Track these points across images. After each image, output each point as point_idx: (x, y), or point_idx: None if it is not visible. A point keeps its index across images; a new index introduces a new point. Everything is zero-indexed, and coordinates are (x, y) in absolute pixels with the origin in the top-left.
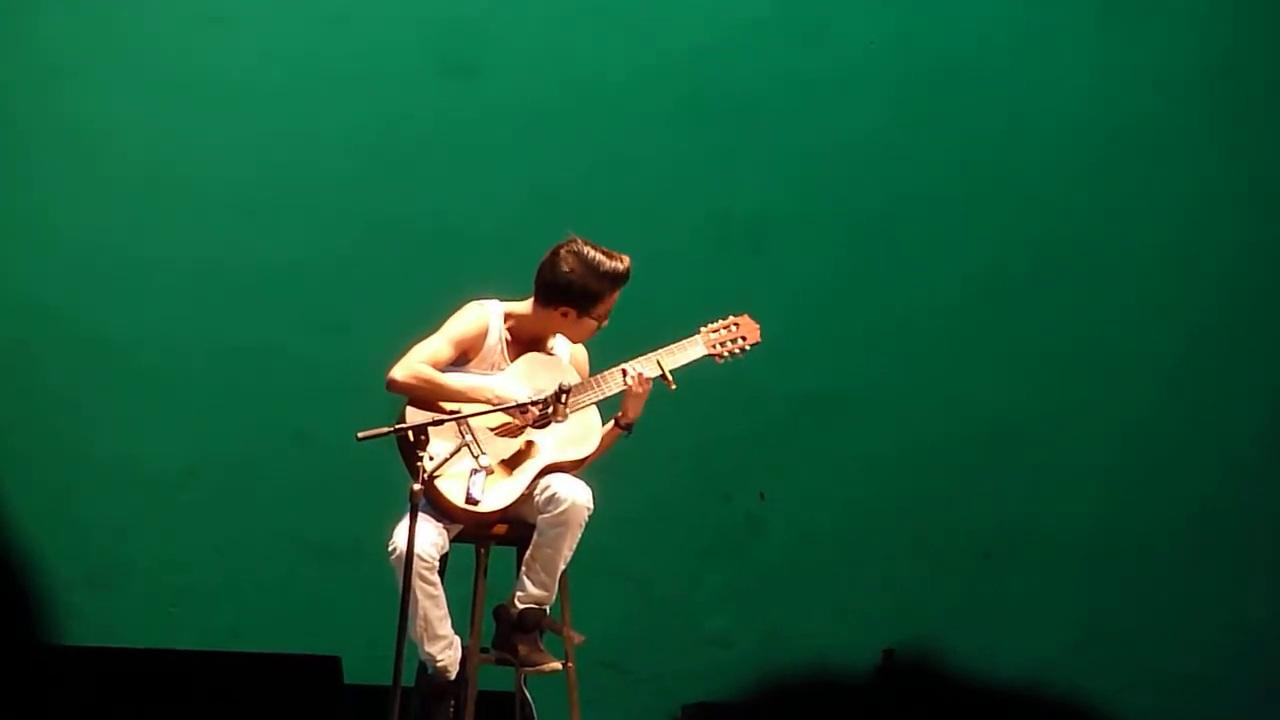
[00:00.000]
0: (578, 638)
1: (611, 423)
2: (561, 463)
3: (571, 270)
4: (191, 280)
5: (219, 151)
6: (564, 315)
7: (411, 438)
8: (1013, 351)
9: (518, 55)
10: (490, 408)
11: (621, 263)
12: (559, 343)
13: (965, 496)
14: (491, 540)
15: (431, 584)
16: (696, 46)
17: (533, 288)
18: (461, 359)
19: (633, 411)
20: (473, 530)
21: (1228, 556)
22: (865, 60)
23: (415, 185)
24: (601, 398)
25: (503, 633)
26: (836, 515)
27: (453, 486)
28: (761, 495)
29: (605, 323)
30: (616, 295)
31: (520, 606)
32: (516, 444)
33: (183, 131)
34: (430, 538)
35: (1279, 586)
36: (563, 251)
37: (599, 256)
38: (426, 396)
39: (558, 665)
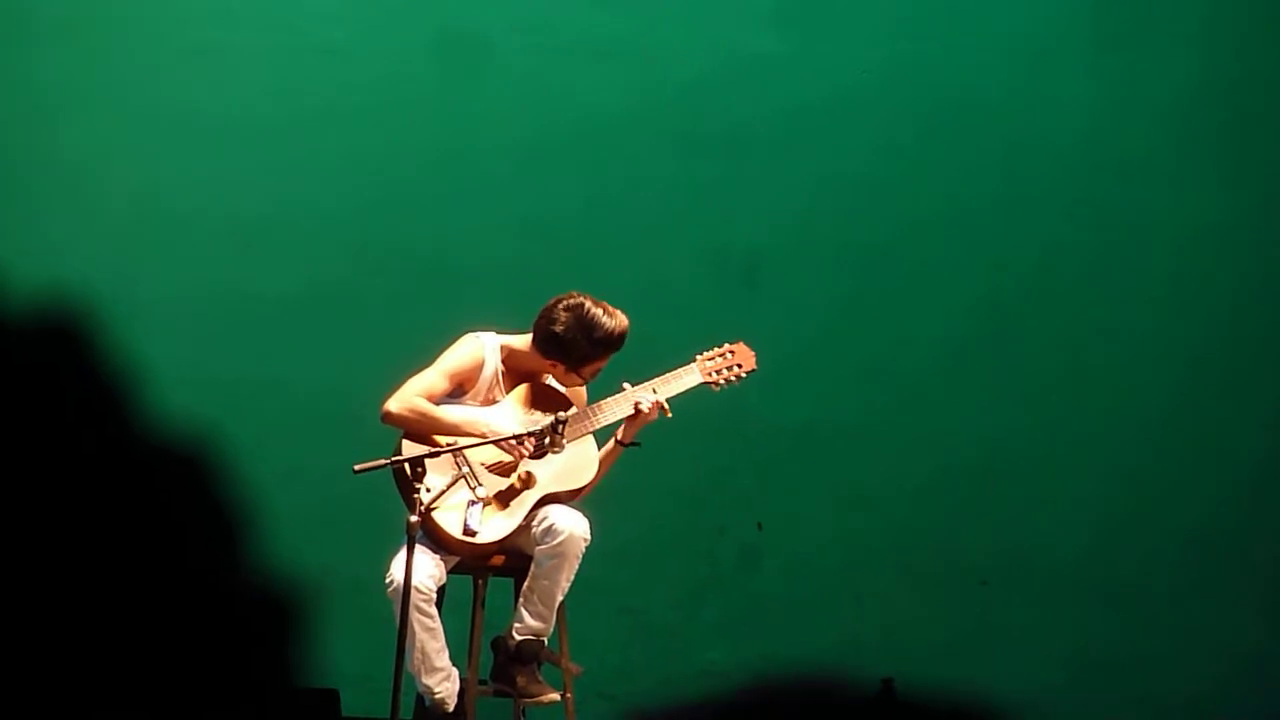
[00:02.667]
0: (576, 669)
1: (611, 442)
2: (559, 493)
3: (567, 330)
4: (186, 313)
5: (213, 185)
6: (554, 367)
7: (408, 470)
8: (1008, 382)
9: (514, 89)
10: (485, 440)
11: (617, 327)
12: None
13: (961, 526)
14: (489, 571)
15: (429, 616)
16: (692, 80)
17: (531, 327)
18: (457, 391)
19: (633, 432)
20: (470, 562)
21: (1222, 585)
22: (859, 93)
23: (411, 218)
24: (598, 427)
25: (500, 664)
26: (833, 546)
27: (450, 518)
28: (759, 526)
29: (594, 379)
30: (609, 358)
31: (518, 638)
32: (513, 475)
33: (174, 165)
34: (427, 570)
35: (1273, 615)
36: (560, 308)
37: (597, 318)
38: (422, 429)
39: (556, 696)
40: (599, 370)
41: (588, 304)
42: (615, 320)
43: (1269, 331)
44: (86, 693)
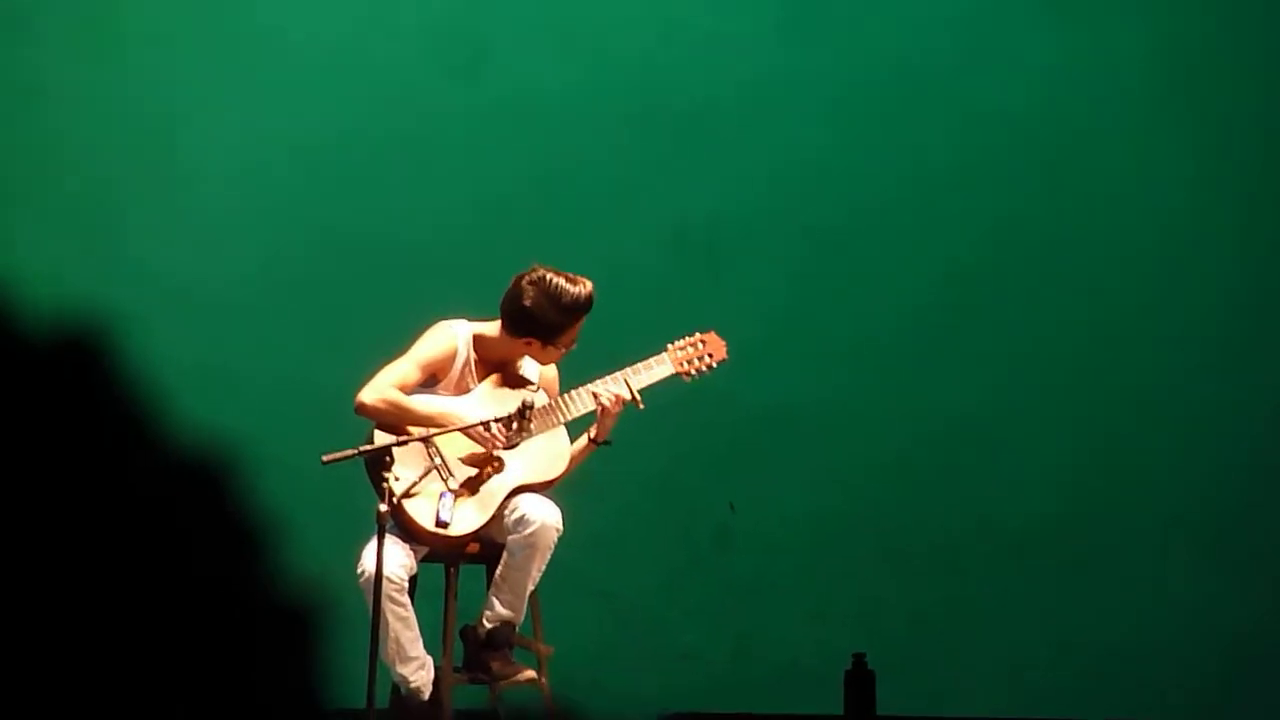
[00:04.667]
0: (547, 649)
1: (585, 439)
2: (531, 484)
3: (534, 303)
4: (153, 304)
5: (170, 175)
6: (528, 344)
7: (378, 460)
8: (975, 355)
9: (469, 68)
10: (456, 429)
11: (584, 290)
12: (528, 362)
13: (932, 500)
14: (461, 560)
15: (401, 605)
16: (649, 58)
17: (499, 311)
18: (430, 380)
19: (607, 428)
20: (442, 551)
21: (1194, 554)
22: (817, 68)
23: (369, 202)
24: (570, 419)
25: (472, 652)
26: (805, 524)
27: (421, 509)
28: (731, 507)
29: (573, 346)
30: (581, 323)
31: (488, 626)
32: (485, 465)
33: (129, 153)
34: (399, 559)
35: (1246, 585)
36: (524, 283)
37: (562, 287)
38: (394, 420)
39: (532, 674)
40: (574, 339)
41: (550, 275)
42: (580, 285)
43: (1232, 298)
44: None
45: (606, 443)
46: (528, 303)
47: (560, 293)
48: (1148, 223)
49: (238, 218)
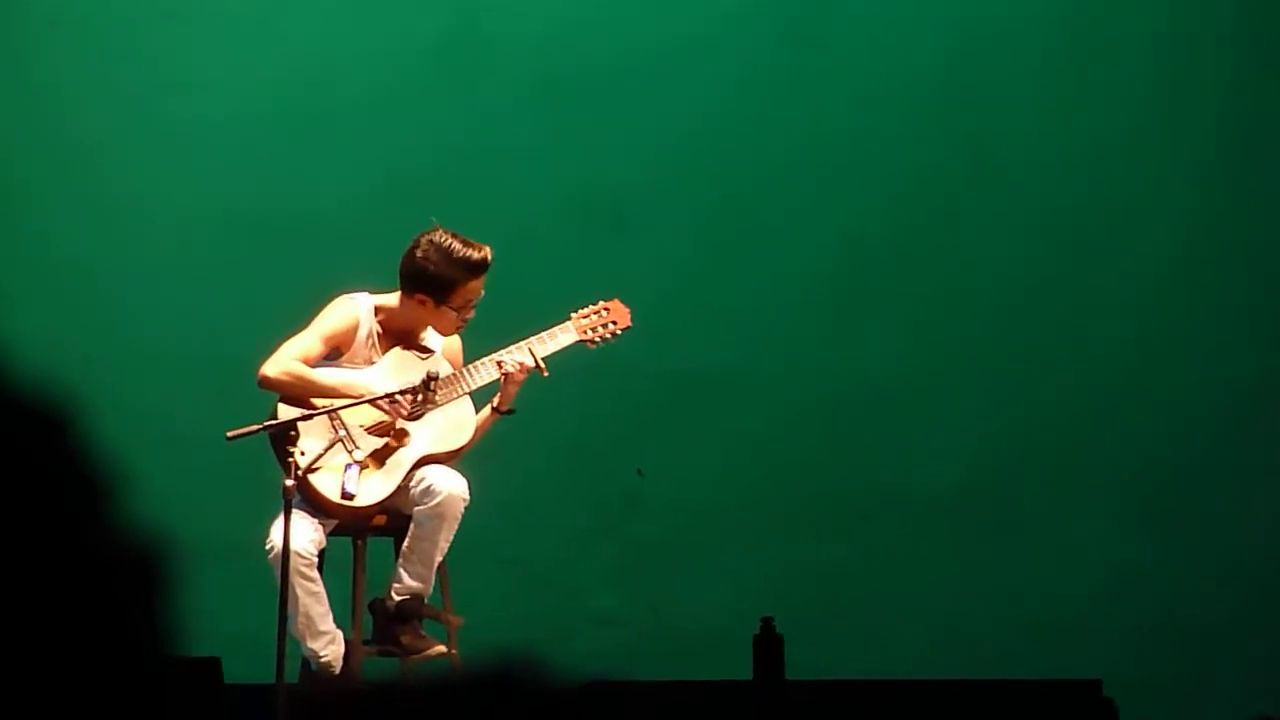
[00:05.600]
0: (457, 620)
1: (489, 409)
2: (437, 454)
3: (425, 256)
4: (53, 283)
5: (71, 152)
6: (421, 303)
7: (283, 434)
8: (884, 318)
9: (366, 38)
10: (360, 400)
11: (477, 251)
12: (431, 334)
13: (840, 462)
14: (369, 532)
15: (311, 580)
16: (552, 23)
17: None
18: (333, 354)
19: (510, 397)
20: (350, 524)
21: (1110, 517)
22: (716, 30)
23: (271, 176)
24: (474, 388)
25: (381, 625)
26: (714, 488)
27: (327, 481)
28: (639, 471)
29: (470, 314)
30: (475, 286)
31: (397, 598)
32: (390, 437)
33: (30, 131)
34: (307, 534)
35: (1152, 526)
36: (423, 240)
37: (454, 244)
38: (298, 393)
39: (442, 649)
40: (470, 304)
41: (446, 234)
42: (474, 247)
43: (1146, 260)
44: None
45: (510, 411)
46: (419, 254)
47: (451, 249)
48: (1055, 188)
49: (141, 192)
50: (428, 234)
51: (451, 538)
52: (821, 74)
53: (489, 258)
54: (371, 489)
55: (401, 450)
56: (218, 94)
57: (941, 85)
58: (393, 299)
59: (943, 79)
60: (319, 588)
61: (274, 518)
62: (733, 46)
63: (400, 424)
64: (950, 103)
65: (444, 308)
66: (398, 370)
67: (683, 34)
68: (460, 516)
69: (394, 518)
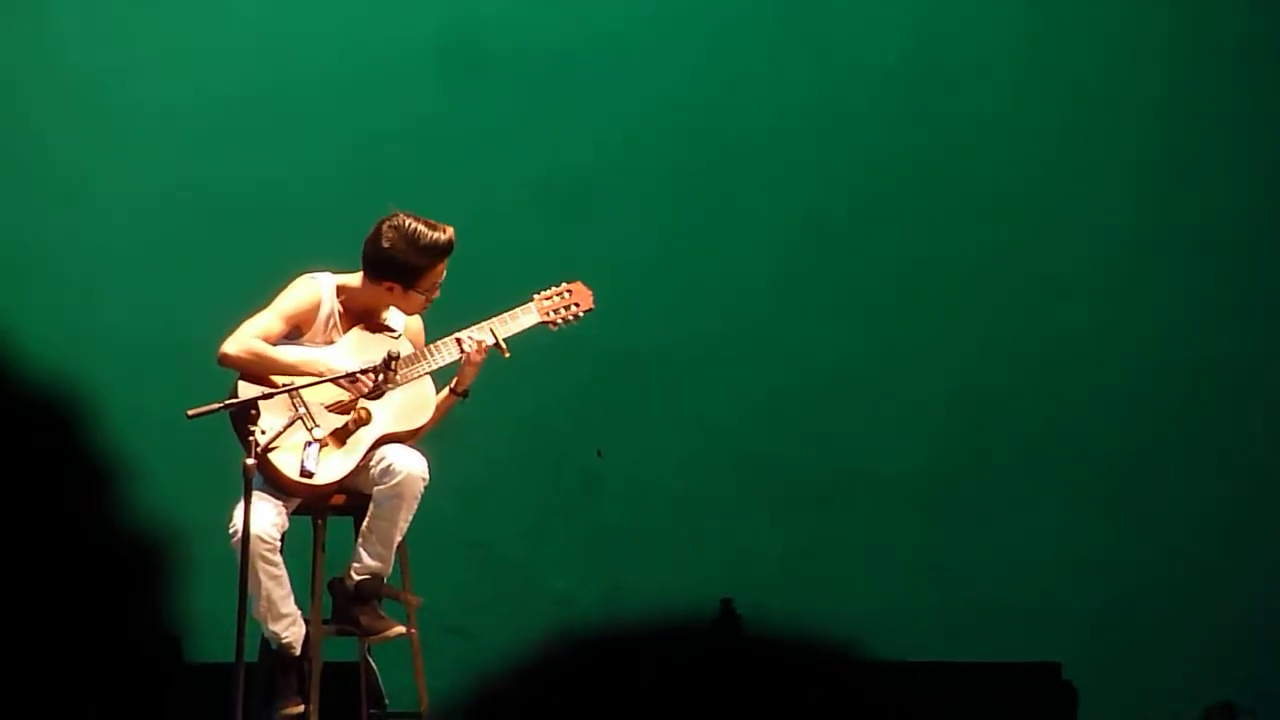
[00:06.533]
0: (416, 600)
1: (446, 390)
2: (397, 433)
3: (392, 245)
4: (14, 265)
5: (26, 137)
6: (389, 290)
7: (243, 413)
8: (841, 301)
9: (328, 20)
10: (320, 379)
11: (443, 234)
12: (393, 314)
13: (800, 446)
14: (329, 511)
15: (274, 564)
16: (511, 4)
17: (360, 262)
18: (294, 333)
19: (468, 379)
20: (310, 503)
21: (1059, 491)
22: (675, 12)
23: (232, 157)
24: (436, 368)
25: (340, 605)
26: (673, 470)
27: (287, 459)
28: (599, 453)
29: (436, 294)
30: (441, 268)
31: (356, 578)
32: (351, 416)
33: None
34: (270, 518)
35: (1112, 516)
36: (385, 226)
37: (420, 229)
38: (259, 370)
39: (401, 630)
40: (435, 285)
41: (409, 219)
42: (440, 230)
43: (1104, 244)
44: None
45: (464, 395)
46: (385, 244)
47: (418, 235)
48: (1015, 171)
49: (102, 173)
50: (389, 220)
51: (411, 518)
52: (783, 57)
53: (454, 239)
54: (331, 467)
55: (362, 429)
56: (181, 75)
57: (902, 66)
58: (355, 279)
59: (904, 60)
60: (281, 571)
61: (236, 502)
62: (695, 29)
63: (361, 403)
64: (911, 85)
65: (411, 292)
66: (359, 349)
67: (645, 15)
68: (420, 496)
69: (353, 497)
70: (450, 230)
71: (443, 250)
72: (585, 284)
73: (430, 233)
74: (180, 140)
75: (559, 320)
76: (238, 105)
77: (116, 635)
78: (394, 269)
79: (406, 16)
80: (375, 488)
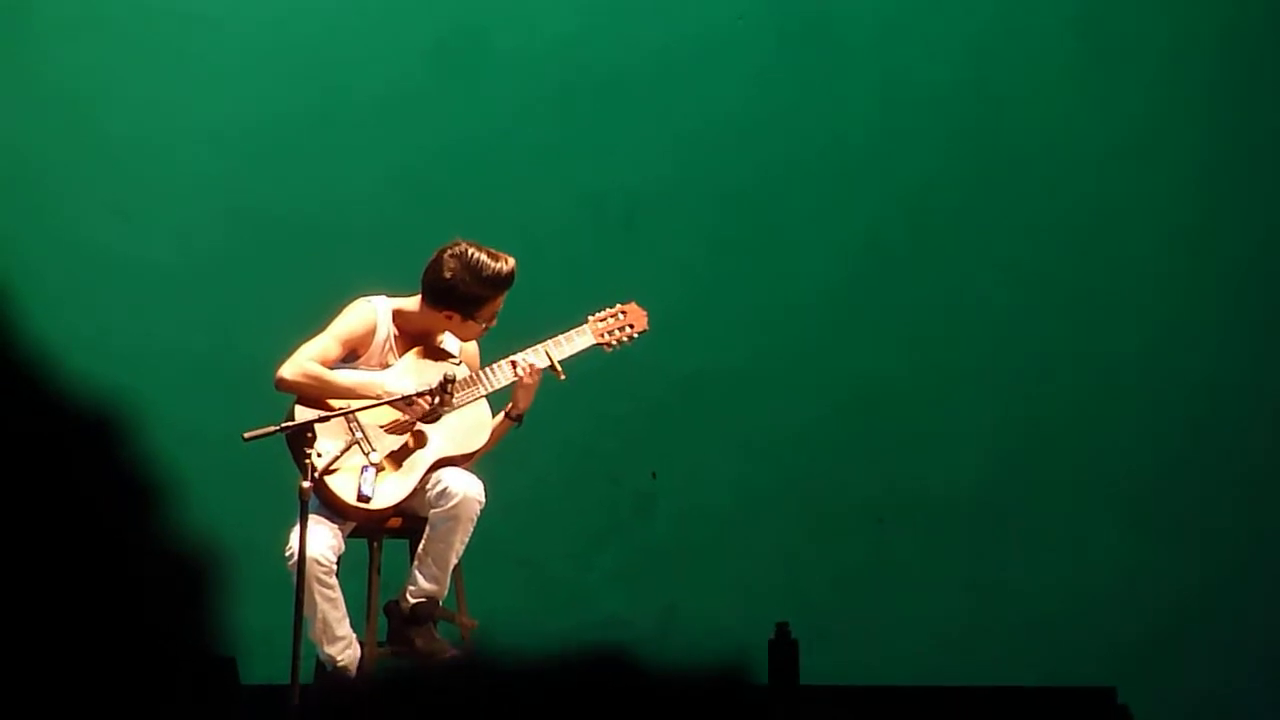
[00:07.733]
0: (471, 623)
1: (502, 415)
2: (454, 456)
3: (454, 274)
4: (68, 287)
5: (84, 155)
6: (449, 318)
7: (300, 435)
8: (893, 321)
9: (380, 42)
10: (377, 402)
11: (505, 265)
12: (449, 337)
13: (854, 466)
14: (384, 534)
15: (329, 587)
16: (564, 26)
17: (419, 286)
18: (350, 356)
19: (523, 403)
20: (365, 526)
21: (1120, 519)
22: (732, 33)
23: (287, 178)
24: (491, 390)
25: (395, 628)
26: (726, 491)
27: (344, 483)
28: (653, 475)
29: (494, 323)
30: (501, 299)
31: (412, 601)
32: (407, 439)
33: (43, 134)
34: (326, 540)
35: (1164, 537)
36: (447, 255)
37: (483, 260)
38: (315, 394)
39: (456, 652)
40: (495, 313)
41: (471, 249)
42: (502, 261)
43: (1154, 265)
44: None
45: (519, 421)
46: (448, 275)
47: (481, 266)
48: (1067, 191)
49: (158, 193)
50: (451, 249)
51: (467, 540)
52: (834, 75)
53: (515, 270)
54: (387, 491)
55: (418, 452)
56: (239, 96)
57: (955, 87)
58: (411, 303)
59: (956, 81)
60: (336, 594)
61: (293, 525)
62: (745, 47)
63: (417, 426)
64: (964, 105)
65: (470, 321)
66: (415, 372)
67: (695, 34)
68: (476, 519)
69: (409, 520)
70: (512, 261)
71: (504, 282)
72: (639, 305)
73: (493, 264)
74: (237, 159)
75: (613, 342)
76: (296, 126)
77: (173, 656)
78: (455, 298)
79: (459, 37)
80: (431, 510)
